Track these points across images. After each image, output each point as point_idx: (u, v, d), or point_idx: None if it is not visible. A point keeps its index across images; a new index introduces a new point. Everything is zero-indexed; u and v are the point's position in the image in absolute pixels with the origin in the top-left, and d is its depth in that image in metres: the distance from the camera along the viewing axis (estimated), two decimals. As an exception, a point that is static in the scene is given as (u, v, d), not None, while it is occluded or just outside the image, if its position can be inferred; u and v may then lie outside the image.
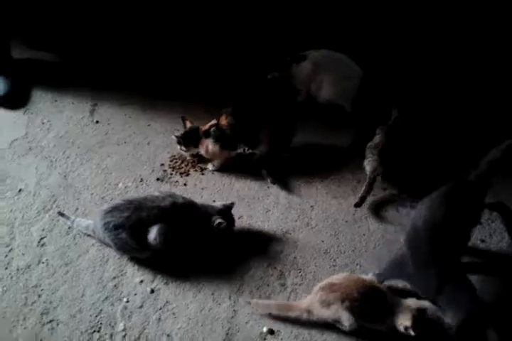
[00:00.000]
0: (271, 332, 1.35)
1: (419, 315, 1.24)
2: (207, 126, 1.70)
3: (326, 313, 1.28)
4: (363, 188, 1.60)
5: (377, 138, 1.69)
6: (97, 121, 1.97)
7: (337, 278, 1.30)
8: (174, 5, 2.37)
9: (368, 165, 1.64)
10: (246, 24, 2.30)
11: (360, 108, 1.90)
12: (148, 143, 1.88)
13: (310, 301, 1.31)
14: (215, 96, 2.02)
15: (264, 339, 1.34)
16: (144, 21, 2.37)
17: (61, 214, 1.61)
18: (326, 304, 1.27)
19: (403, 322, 1.23)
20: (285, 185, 1.70)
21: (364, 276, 1.32)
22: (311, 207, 1.63)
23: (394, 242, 1.55)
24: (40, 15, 2.31)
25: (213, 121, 1.70)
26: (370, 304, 1.26)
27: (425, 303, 1.27)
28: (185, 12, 2.38)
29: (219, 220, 1.48)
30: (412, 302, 1.27)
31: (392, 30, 2.18)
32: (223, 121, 1.68)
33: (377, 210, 1.68)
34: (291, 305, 1.36)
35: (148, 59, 2.26)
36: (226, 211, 1.52)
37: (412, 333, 1.22)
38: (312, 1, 2.22)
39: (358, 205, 1.59)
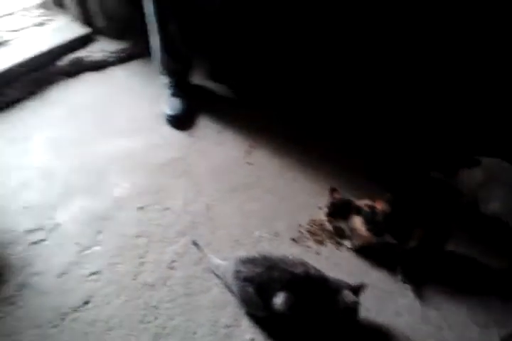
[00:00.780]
0: None
1: None
2: (362, 204, 1.69)
3: None
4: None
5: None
6: (250, 163, 2.06)
7: None
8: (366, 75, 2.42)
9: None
10: (424, 118, 2.28)
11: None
12: (292, 199, 1.90)
13: None
14: (376, 174, 2.00)
15: None
16: (326, 79, 2.44)
17: (195, 244, 1.67)
18: None
19: None
20: (420, 292, 1.61)
21: None
22: (449, 327, 1.51)
23: None
24: (225, 50, 2.49)
25: (370, 202, 1.68)
26: None
27: None
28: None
29: (352, 298, 1.42)
30: None
31: None
32: (380, 205, 1.66)
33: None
34: None
35: (323, 116, 2.31)
36: (357, 291, 1.45)
37: None
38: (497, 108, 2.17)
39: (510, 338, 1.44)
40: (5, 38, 2.39)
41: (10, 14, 2.56)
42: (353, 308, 1.44)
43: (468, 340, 1.48)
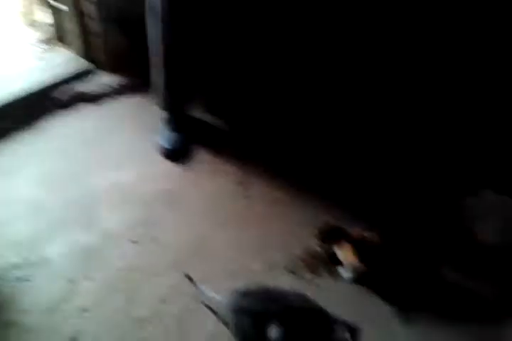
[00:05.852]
0: None
1: None
2: (357, 235, 1.68)
3: None
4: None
5: None
6: (244, 195, 2.04)
7: None
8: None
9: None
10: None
11: None
12: (286, 230, 1.88)
13: None
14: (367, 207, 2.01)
15: None
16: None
17: (189, 277, 1.62)
18: None
19: None
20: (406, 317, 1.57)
21: None
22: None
23: None
24: (221, 84, 2.52)
25: (360, 230, 1.69)
26: None
27: None
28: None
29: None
30: None
31: None
32: (368, 235, 1.67)
33: None
34: None
35: (316, 149, 2.31)
36: (354, 333, 1.39)
37: None
38: None
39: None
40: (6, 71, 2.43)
41: (12, 49, 2.61)
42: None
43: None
